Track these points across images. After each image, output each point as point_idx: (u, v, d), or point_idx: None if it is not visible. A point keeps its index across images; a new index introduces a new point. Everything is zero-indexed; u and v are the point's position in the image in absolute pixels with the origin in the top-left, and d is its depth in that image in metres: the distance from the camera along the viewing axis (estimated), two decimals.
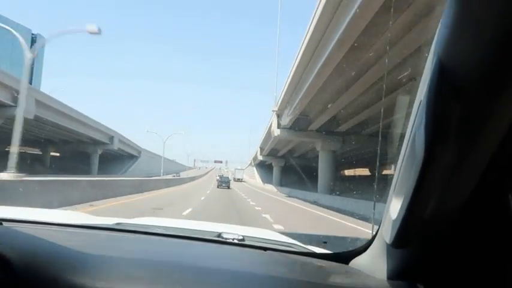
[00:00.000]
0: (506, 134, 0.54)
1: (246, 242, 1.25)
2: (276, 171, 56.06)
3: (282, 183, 52.90)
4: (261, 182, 70.23)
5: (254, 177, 79.06)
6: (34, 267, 0.68)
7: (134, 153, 72.40)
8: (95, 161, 53.09)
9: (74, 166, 51.48)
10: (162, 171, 40.41)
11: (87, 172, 50.36)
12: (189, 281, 0.78)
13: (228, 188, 39.17)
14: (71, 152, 55.59)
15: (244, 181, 79.13)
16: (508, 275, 0.67)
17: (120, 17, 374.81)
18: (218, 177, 44.66)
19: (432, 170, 0.57)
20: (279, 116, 29.54)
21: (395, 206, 0.70)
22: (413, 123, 0.63)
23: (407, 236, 0.69)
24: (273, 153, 52.72)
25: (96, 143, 50.90)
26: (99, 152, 52.95)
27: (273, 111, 29.95)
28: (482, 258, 0.69)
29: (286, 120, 28.15)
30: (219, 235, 1.28)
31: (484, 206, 0.65)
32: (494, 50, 0.47)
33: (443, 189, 0.60)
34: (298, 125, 28.05)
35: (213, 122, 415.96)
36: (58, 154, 59.77)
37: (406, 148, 0.67)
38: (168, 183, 29.08)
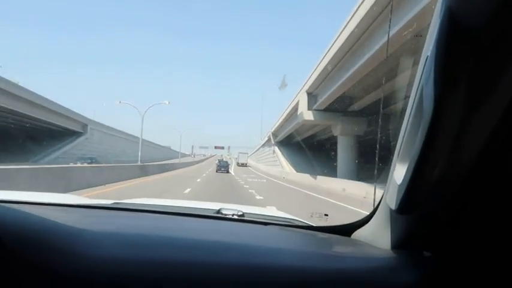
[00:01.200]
0: None
1: (246, 218, 1.26)
2: (345, 148, 24.90)
3: (359, 177, 22.68)
4: (292, 170, 39.74)
5: (277, 163, 48.29)
6: (28, 242, 0.64)
7: (72, 127, 42.46)
8: None
9: None
10: None
11: None
12: (186, 251, 0.76)
13: (227, 172, 36.48)
14: None
15: (248, 165, 71.68)
16: None
17: None
18: (217, 162, 43.96)
19: (441, 126, 0.53)
20: None
21: (400, 171, 0.66)
22: (420, 80, 0.58)
23: (414, 201, 0.65)
24: (342, 104, 22.10)
25: None
26: None
27: None
28: (492, 224, 0.64)
29: None
30: (218, 211, 1.30)
31: (493, 169, 0.60)
32: None
33: (452, 148, 0.56)
34: None
35: (214, 103, 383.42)
36: None
37: (412, 108, 0.62)
38: None
